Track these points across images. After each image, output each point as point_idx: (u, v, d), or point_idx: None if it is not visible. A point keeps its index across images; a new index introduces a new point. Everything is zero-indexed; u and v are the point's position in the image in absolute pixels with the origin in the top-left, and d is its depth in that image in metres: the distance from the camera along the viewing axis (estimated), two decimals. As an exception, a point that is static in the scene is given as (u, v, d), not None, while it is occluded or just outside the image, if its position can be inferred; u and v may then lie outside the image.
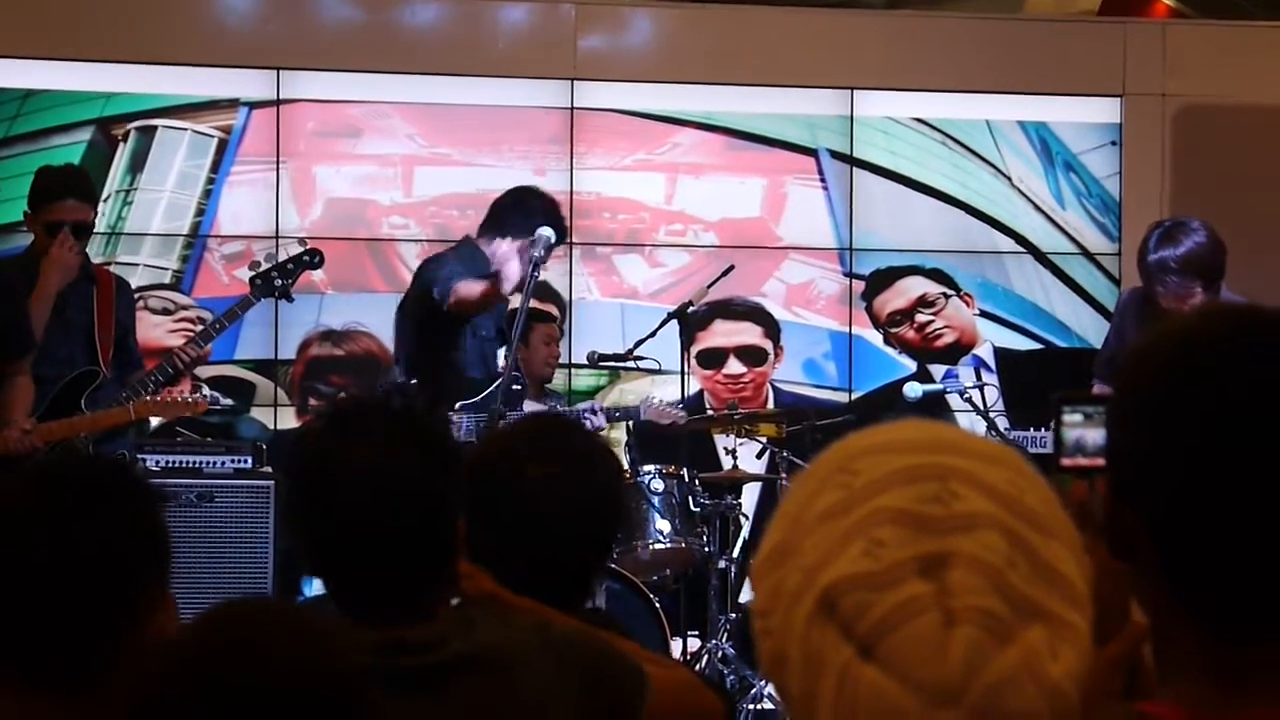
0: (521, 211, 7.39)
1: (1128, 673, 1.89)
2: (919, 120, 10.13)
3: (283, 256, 7.58)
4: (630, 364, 8.46)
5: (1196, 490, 1.59)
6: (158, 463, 7.76)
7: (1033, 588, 1.40)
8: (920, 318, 10.13)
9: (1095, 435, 1.96)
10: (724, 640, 7.70)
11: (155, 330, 9.34)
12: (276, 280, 7.32)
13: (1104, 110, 10.21)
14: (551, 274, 9.06)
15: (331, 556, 2.71)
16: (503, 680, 2.64)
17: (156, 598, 2.38)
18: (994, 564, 1.39)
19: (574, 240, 9.64)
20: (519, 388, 7.42)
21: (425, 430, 2.76)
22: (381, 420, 2.74)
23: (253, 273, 7.42)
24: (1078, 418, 1.98)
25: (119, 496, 2.39)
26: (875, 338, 10.10)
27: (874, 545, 1.41)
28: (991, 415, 8.14)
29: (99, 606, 2.31)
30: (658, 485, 7.60)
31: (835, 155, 10.05)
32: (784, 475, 7.98)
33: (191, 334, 9.23)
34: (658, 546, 7.57)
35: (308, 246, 7.59)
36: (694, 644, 7.93)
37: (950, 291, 10.15)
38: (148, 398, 7.03)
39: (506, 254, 7.23)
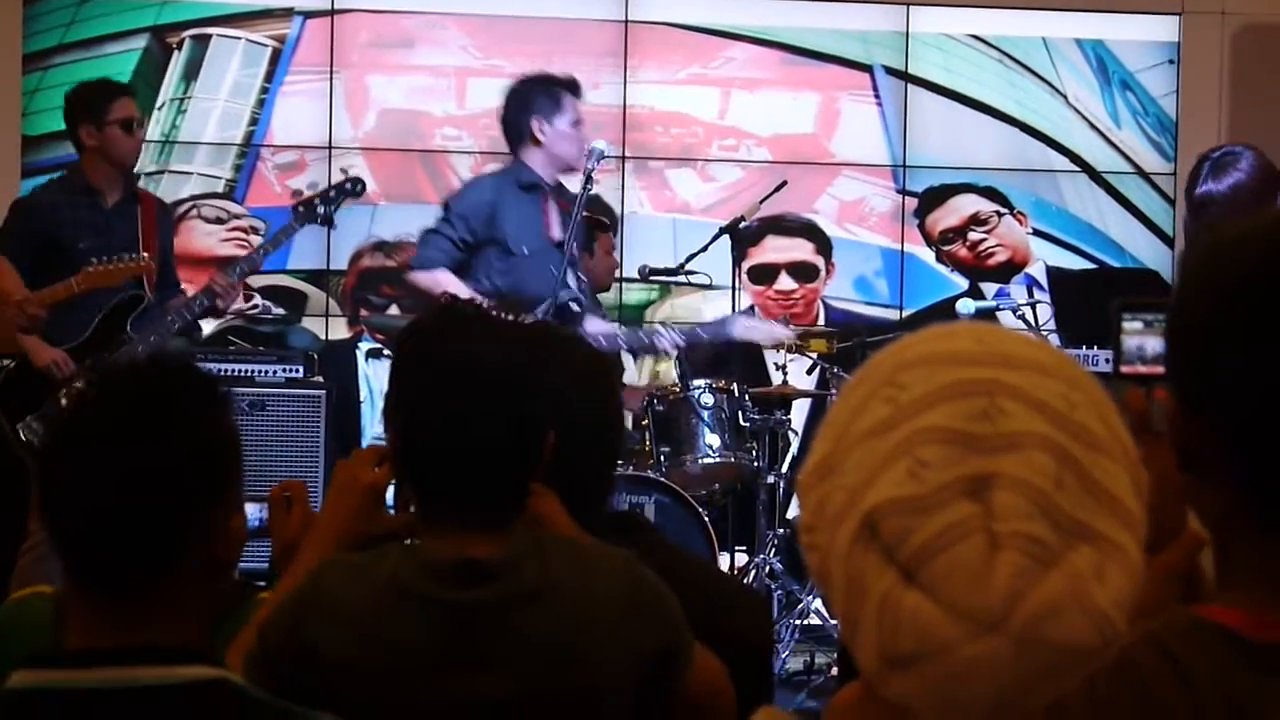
0: (541, 90, 7.37)
1: (1183, 582, 1.88)
2: (975, 37, 10.04)
3: (323, 184, 7.64)
4: (681, 278, 8.47)
5: None
6: (209, 371, 7.77)
7: (1080, 508, 1.36)
8: (973, 235, 10.08)
9: (1155, 343, 1.93)
10: (771, 555, 7.70)
11: (208, 239, 9.37)
12: (319, 207, 7.40)
13: (1162, 28, 10.10)
14: (603, 187, 9.01)
15: (429, 448, 2.68)
16: (568, 618, 2.62)
17: (234, 502, 2.27)
18: (1040, 486, 1.35)
19: (626, 154, 9.63)
20: (578, 309, 7.31)
21: (533, 335, 2.79)
22: (493, 320, 2.76)
23: (295, 201, 7.51)
24: (1138, 325, 1.96)
25: (194, 402, 2.30)
26: (927, 255, 10.05)
27: (918, 466, 1.37)
28: (1043, 333, 8.11)
29: (183, 519, 2.19)
30: (708, 400, 7.58)
31: (890, 71, 9.98)
32: (834, 391, 7.96)
33: (245, 242, 9.31)
34: (707, 461, 7.57)
35: (350, 175, 7.70)
36: (741, 559, 7.95)
37: (1003, 210, 10.09)
38: (91, 268, 6.90)
39: (558, 135, 7.25)
